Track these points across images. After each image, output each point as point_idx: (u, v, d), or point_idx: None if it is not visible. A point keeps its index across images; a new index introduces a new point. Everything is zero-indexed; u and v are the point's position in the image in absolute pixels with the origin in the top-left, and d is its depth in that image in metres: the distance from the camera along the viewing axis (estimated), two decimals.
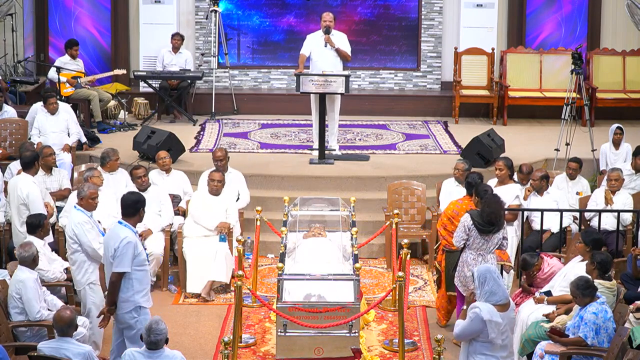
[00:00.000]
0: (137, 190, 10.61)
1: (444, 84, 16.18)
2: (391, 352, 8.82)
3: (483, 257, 8.64)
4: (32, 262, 8.31)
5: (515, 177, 11.32)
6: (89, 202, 8.65)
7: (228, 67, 15.64)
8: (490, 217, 8.47)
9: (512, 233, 9.89)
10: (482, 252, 8.65)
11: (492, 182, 10.23)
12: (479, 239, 8.60)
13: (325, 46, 12.82)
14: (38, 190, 10.23)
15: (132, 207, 7.84)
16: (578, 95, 12.93)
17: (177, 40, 15.09)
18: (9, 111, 12.88)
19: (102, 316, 7.74)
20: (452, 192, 11.00)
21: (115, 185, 10.99)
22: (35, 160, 10.45)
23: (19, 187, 10.17)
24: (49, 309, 8.22)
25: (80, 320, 7.89)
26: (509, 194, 9.93)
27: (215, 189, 10.56)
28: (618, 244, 10.16)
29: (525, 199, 10.79)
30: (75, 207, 8.70)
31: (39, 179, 10.82)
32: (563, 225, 10.25)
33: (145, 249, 10.31)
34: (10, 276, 8.51)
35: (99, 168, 10.97)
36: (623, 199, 10.65)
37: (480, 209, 8.60)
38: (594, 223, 10.40)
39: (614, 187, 10.69)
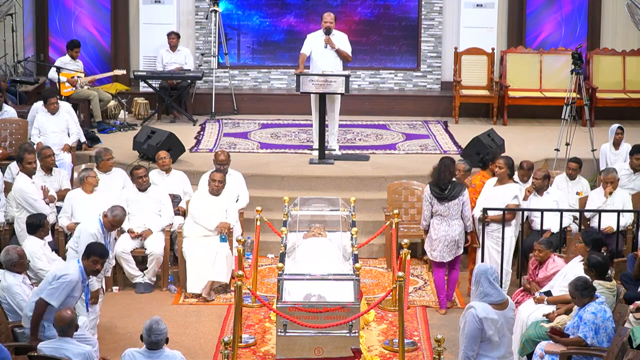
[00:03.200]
0: (136, 190, 10.65)
1: (444, 84, 16.18)
2: (391, 352, 8.82)
3: (447, 223, 9.58)
4: (12, 266, 8.23)
5: (516, 175, 11.33)
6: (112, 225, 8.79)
7: (228, 67, 15.64)
8: (437, 183, 9.55)
9: (510, 233, 9.84)
10: (446, 218, 9.58)
11: (491, 181, 10.16)
12: (440, 206, 9.57)
13: (326, 47, 12.82)
14: (27, 183, 10.32)
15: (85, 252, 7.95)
16: (578, 95, 12.92)
17: (173, 39, 15.09)
18: (9, 111, 12.89)
19: None
20: None
21: (111, 185, 11.01)
22: (19, 161, 10.53)
23: (14, 189, 10.31)
24: None
25: (81, 320, 7.88)
26: (508, 193, 9.84)
27: (217, 189, 10.56)
28: (618, 244, 10.15)
29: (525, 199, 10.78)
30: (100, 219, 8.74)
31: (39, 179, 10.85)
32: (563, 225, 10.23)
33: (145, 248, 10.43)
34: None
35: (96, 169, 10.99)
36: (621, 198, 10.68)
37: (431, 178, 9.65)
38: (594, 223, 10.40)
39: (610, 189, 10.73)
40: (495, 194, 9.89)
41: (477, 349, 7.15)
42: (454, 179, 9.71)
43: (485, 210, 9.70)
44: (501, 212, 9.70)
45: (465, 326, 7.17)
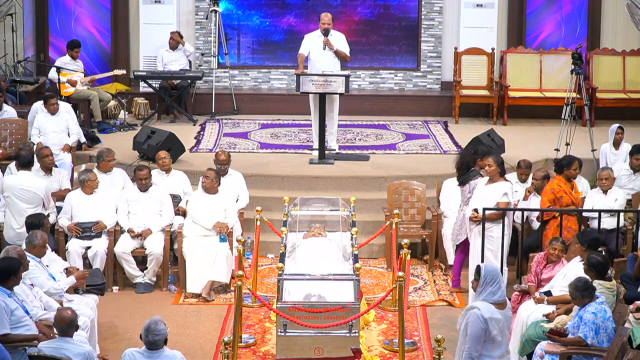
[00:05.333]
0: (137, 189, 10.64)
1: (444, 84, 16.18)
2: (391, 352, 8.82)
3: (461, 207, 10.03)
4: None
5: (515, 175, 11.32)
6: (40, 250, 8.65)
7: (228, 67, 15.64)
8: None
9: (498, 232, 9.53)
10: (462, 203, 10.06)
11: (483, 180, 9.98)
12: (460, 190, 10.15)
13: (324, 49, 12.81)
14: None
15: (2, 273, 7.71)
16: (578, 95, 12.93)
17: (173, 41, 15.09)
18: (9, 111, 12.89)
19: None
20: (453, 193, 10.98)
21: (111, 186, 11.01)
22: (33, 158, 10.70)
23: (30, 185, 10.29)
24: (44, 309, 8.19)
25: (81, 320, 7.88)
26: (497, 191, 9.55)
27: (209, 185, 10.53)
28: (618, 244, 10.15)
29: (525, 199, 10.77)
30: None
31: (40, 179, 10.85)
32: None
33: (145, 248, 10.43)
34: None
35: (95, 170, 10.98)
36: (616, 196, 10.70)
37: None
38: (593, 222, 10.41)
39: (605, 186, 10.72)
40: (486, 192, 9.63)
41: (480, 350, 7.15)
42: (473, 168, 10.01)
43: (483, 209, 9.62)
44: (493, 211, 9.56)
45: (469, 327, 7.14)
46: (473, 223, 9.61)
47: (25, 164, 10.67)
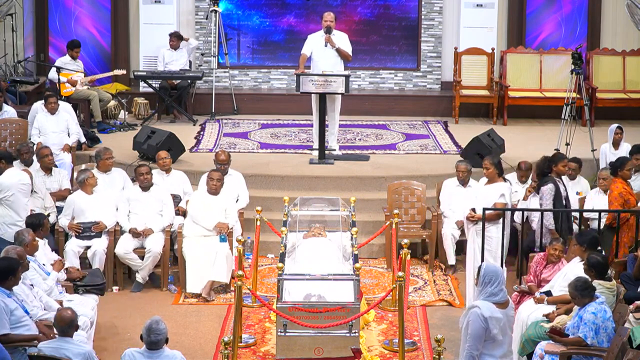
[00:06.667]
0: (139, 188, 10.63)
1: (444, 84, 16.18)
2: (391, 352, 8.82)
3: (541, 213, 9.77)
4: None
5: (515, 175, 11.33)
6: (33, 245, 8.65)
7: (228, 67, 15.64)
8: None
9: (496, 232, 9.58)
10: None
11: (483, 180, 9.90)
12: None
13: (326, 46, 12.81)
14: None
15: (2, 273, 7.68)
16: (578, 95, 12.93)
17: (174, 42, 15.08)
18: (9, 111, 12.89)
19: None
20: (453, 192, 11.01)
21: (111, 186, 11.01)
22: (10, 153, 10.67)
23: (27, 178, 10.25)
24: (44, 309, 8.20)
25: (81, 320, 7.89)
26: (495, 192, 9.54)
27: (214, 188, 10.55)
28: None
29: (525, 199, 10.76)
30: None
31: (39, 179, 10.85)
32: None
33: (144, 247, 10.42)
34: None
35: (95, 170, 10.98)
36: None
37: None
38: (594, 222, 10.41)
39: (605, 186, 10.71)
40: (484, 193, 9.64)
41: (481, 348, 7.16)
42: (549, 175, 9.91)
43: (483, 210, 9.60)
44: (492, 212, 9.53)
45: (469, 326, 7.16)
46: (470, 223, 9.61)
47: (9, 161, 10.58)
